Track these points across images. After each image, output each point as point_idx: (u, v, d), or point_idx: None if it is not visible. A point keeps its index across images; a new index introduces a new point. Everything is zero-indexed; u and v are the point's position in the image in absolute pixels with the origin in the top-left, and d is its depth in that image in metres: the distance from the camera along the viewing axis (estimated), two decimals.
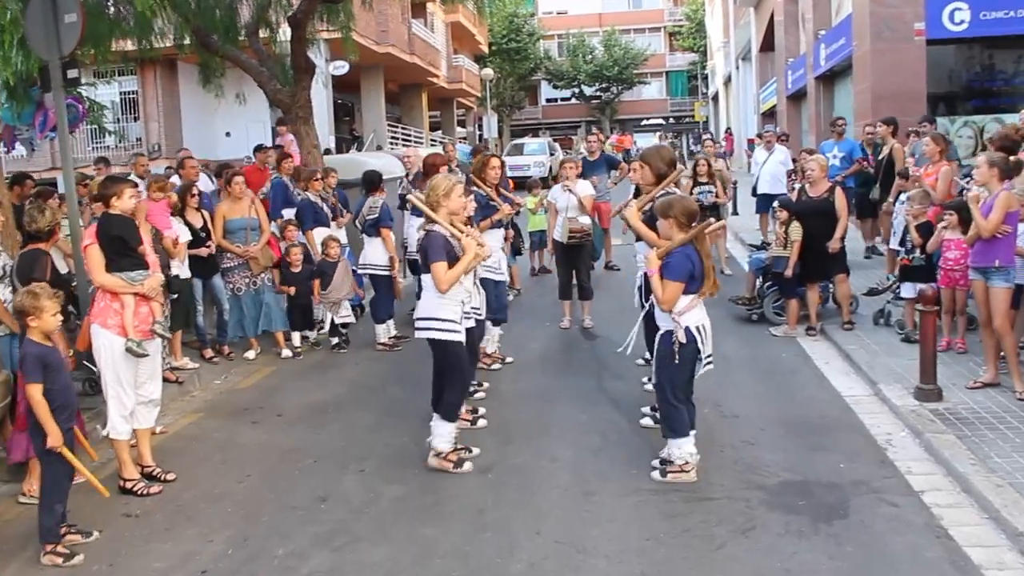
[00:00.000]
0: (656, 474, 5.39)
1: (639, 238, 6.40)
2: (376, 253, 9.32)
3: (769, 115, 28.60)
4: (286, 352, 9.06)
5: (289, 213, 10.41)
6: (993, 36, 15.21)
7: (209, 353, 8.96)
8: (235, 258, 8.96)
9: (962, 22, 15.01)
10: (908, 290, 8.15)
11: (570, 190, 9.30)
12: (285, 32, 13.63)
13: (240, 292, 8.96)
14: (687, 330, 5.21)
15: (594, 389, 7.31)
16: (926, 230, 7.96)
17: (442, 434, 5.66)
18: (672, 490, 5.21)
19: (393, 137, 28.62)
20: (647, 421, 6.37)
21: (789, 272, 8.79)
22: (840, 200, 8.86)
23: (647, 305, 6.14)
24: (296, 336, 9.25)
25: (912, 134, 11.71)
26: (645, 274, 6.02)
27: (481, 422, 6.53)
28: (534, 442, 6.13)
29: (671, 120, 63.80)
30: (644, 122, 63.69)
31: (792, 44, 23.64)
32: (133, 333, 5.57)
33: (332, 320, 9.29)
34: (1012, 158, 6.95)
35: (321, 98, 22.53)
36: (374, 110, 27.96)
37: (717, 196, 11.16)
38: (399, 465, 5.80)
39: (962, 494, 5.00)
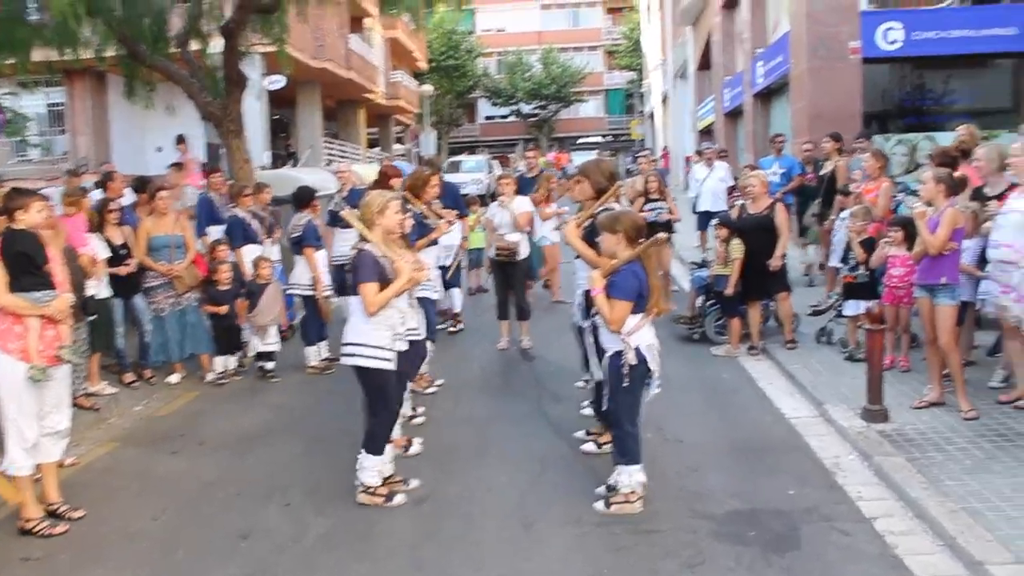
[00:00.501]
0: (600, 505, 5.13)
1: (578, 256, 6.17)
2: (303, 272, 8.97)
3: (706, 133, 28.77)
4: (211, 376, 8.58)
5: (216, 231, 10.00)
6: (925, 56, 15.41)
7: (129, 377, 8.48)
8: (159, 277, 8.52)
9: (895, 41, 15.19)
10: (851, 308, 8.06)
11: (506, 207, 9.06)
12: (218, 43, 13.22)
13: (163, 313, 8.51)
14: (637, 351, 4.97)
15: (533, 413, 7.04)
16: (869, 246, 7.88)
17: (368, 468, 5.31)
18: (616, 521, 4.95)
19: (330, 153, 28.12)
20: (589, 447, 6.12)
21: (730, 290, 8.66)
22: (781, 216, 8.76)
23: (586, 324, 5.89)
24: (219, 361, 8.68)
25: (850, 151, 11.73)
26: (586, 292, 5.78)
27: (414, 448, 6.20)
28: (471, 470, 5.83)
29: (608, 138, 64.15)
30: (581, 140, 63.88)
31: (729, 62, 23.78)
32: (37, 358, 5.14)
33: (255, 348, 8.78)
34: (956, 175, 6.89)
35: (256, 113, 22.03)
36: (310, 126, 27.45)
37: (671, 213, 11.02)
38: (327, 497, 5.45)
39: (915, 520, 4.83)
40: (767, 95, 20.00)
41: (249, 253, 9.45)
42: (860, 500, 5.13)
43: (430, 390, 7.74)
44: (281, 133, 30.59)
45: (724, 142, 23.09)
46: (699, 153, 16.30)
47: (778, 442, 6.18)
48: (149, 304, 8.52)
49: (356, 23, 31.43)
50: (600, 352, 5.58)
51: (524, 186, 10.77)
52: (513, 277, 9.16)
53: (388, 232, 5.32)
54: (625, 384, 4.98)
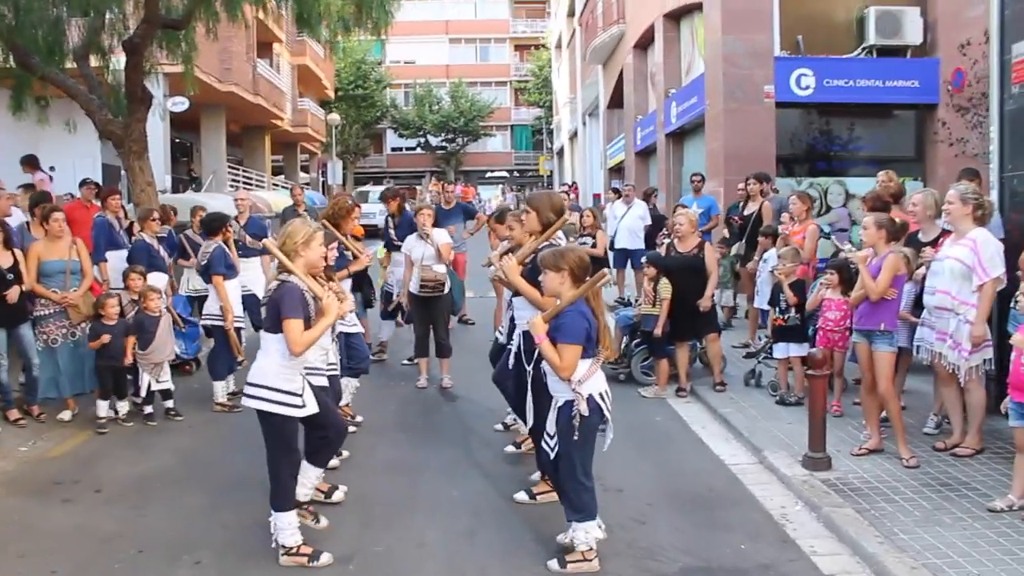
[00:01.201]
0: (554, 564, 4.73)
1: (516, 293, 5.83)
2: (214, 302, 8.41)
3: (616, 170, 29.00)
4: (102, 413, 7.70)
5: (116, 256, 9.32)
6: (834, 103, 15.76)
7: (14, 415, 7.74)
8: (50, 305, 7.83)
9: (808, 87, 15.49)
10: (780, 350, 7.94)
11: (428, 237, 8.67)
12: (120, 61, 12.52)
13: (55, 344, 7.81)
14: (590, 399, 4.63)
15: (461, 459, 6.62)
16: (799, 288, 7.78)
17: (283, 527, 4.78)
18: None
19: (234, 180, 27.24)
20: (521, 496, 5.73)
21: (659, 331, 8.45)
22: (710, 256, 8.63)
23: (529, 370, 5.54)
24: (103, 405, 7.68)
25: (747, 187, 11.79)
26: (525, 333, 5.44)
27: (338, 494, 5.72)
28: (398, 523, 5.36)
29: (515, 173, 64.44)
30: (489, 174, 64.03)
31: (641, 101, 24.01)
32: None
33: (149, 386, 7.95)
34: (898, 220, 6.83)
35: (158, 134, 21.11)
36: (214, 150, 26.55)
37: (594, 248, 10.77)
38: (241, 555, 4.91)
39: None
40: (680, 135, 20.21)
41: (156, 280, 8.86)
42: (815, 555, 4.89)
43: (351, 429, 7.24)
44: (183, 157, 29.57)
45: (636, 180, 23.22)
46: (615, 191, 16.19)
47: (722, 492, 5.92)
48: (40, 334, 7.82)
49: (264, 48, 30.70)
50: (539, 402, 5.26)
51: (441, 218, 10.41)
52: (436, 311, 8.76)
53: (311, 266, 4.84)
54: (576, 437, 4.62)
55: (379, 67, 55.72)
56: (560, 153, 49.49)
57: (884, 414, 6.55)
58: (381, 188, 34.13)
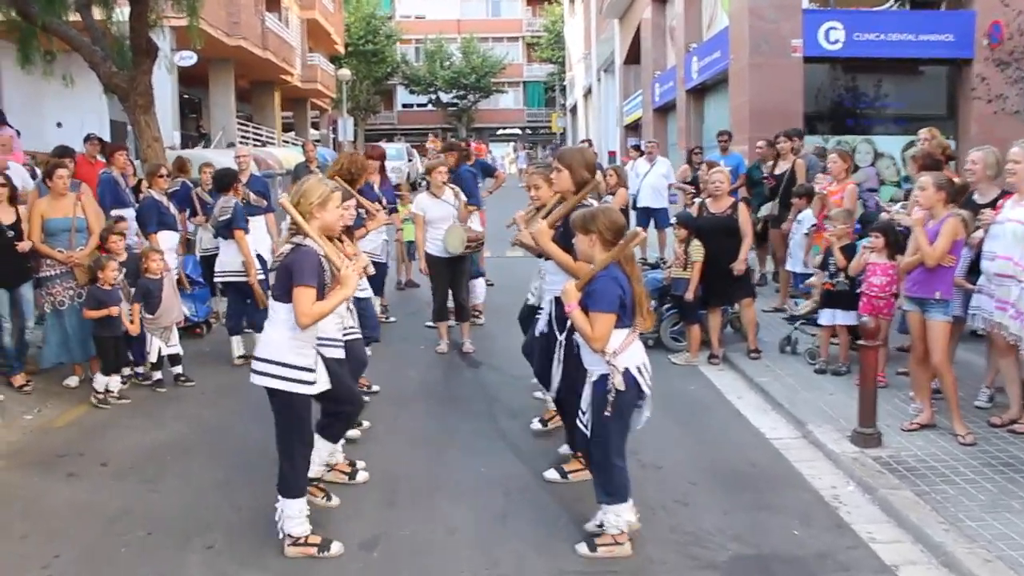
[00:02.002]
0: (583, 548, 4.39)
1: (546, 257, 5.42)
2: (231, 258, 8.13)
3: (632, 128, 28.41)
4: (92, 399, 7.12)
5: (123, 215, 8.94)
6: (864, 57, 15.18)
7: (19, 380, 7.43)
8: (56, 266, 7.47)
9: (837, 41, 14.92)
10: (827, 317, 7.52)
11: (456, 195, 8.29)
12: (124, 12, 12.04)
13: (63, 307, 7.44)
14: (626, 373, 4.25)
15: (489, 431, 6.27)
16: (850, 252, 7.35)
17: (292, 515, 4.39)
18: (605, 570, 4.23)
19: (243, 136, 26.77)
20: (551, 474, 5.37)
21: (690, 295, 8.05)
22: (744, 216, 8.18)
23: (561, 338, 5.16)
24: (100, 380, 7.11)
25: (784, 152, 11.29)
26: (558, 299, 5.04)
27: (361, 475, 5.37)
28: (424, 504, 5.02)
29: (527, 131, 63.67)
30: (500, 131, 63.29)
31: (660, 57, 23.39)
32: None
33: (160, 351, 7.62)
34: (957, 181, 6.38)
35: (166, 90, 20.64)
36: (223, 107, 26.06)
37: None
38: (256, 539, 4.56)
39: (943, 569, 4.24)
40: (701, 91, 19.64)
41: (166, 240, 8.53)
42: (874, 542, 4.52)
43: (366, 398, 6.90)
44: (192, 113, 29.12)
45: (653, 137, 22.67)
46: (636, 149, 15.69)
47: (767, 469, 5.55)
48: (46, 296, 7.46)
49: (273, 2, 30.07)
50: (572, 375, 4.89)
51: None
52: (458, 272, 8.38)
53: (327, 228, 4.40)
54: (610, 414, 4.25)
55: (389, 22, 54.86)
56: (573, 110, 48.75)
57: (935, 386, 6.18)
58: (396, 145, 33.58)
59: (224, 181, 8.40)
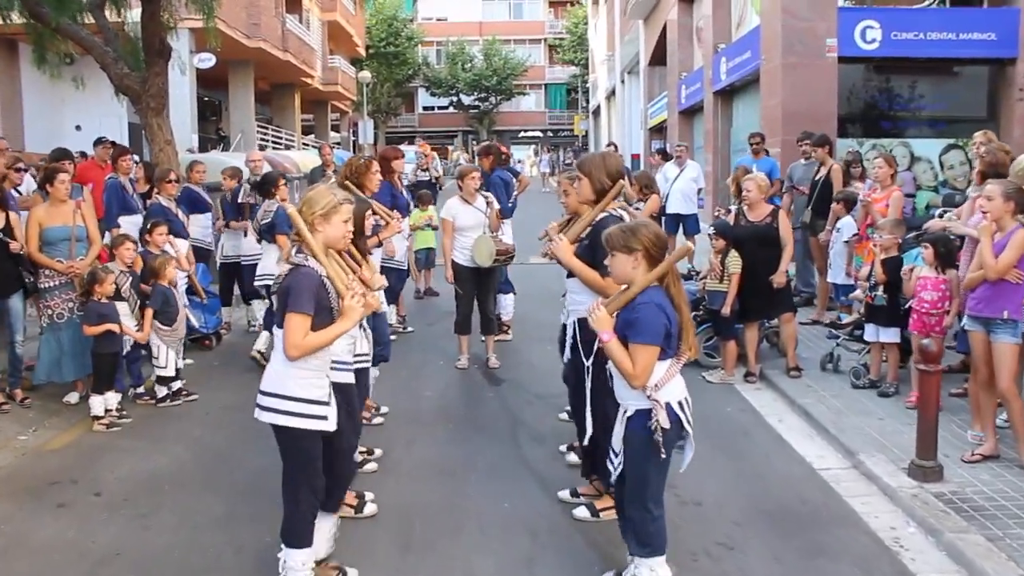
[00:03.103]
0: None
1: (570, 274, 4.94)
2: (271, 261, 7.87)
3: (657, 130, 27.87)
4: (96, 426, 6.63)
5: (129, 222, 8.57)
6: (902, 57, 14.61)
7: (20, 394, 7.07)
8: (55, 276, 7.10)
9: (873, 40, 14.34)
10: (870, 332, 7.03)
11: (489, 203, 7.89)
12: (138, 13, 11.69)
13: (61, 320, 7.07)
14: (668, 409, 3.78)
15: (512, 459, 5.81)
16: (893, 265, 6.85)
17: (295, 567, 3.91)
18: None
19: (263, 139, 26.50)
20: (582, 512, 4.89)
21: (727, 310, 7.57)
22: (784, 225, 7.69)
23: (588, 364, 4.68)
24: (97, 401, 6.66)
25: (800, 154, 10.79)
26: (582, 320, 4.56)
27: (369, 508, 4.92)
28: (442, 546, 4.55)
29: (549, 133, 63.20)
30: (522, 134, 62.83)
31: (686, 58, 22.84)
32: None
33: (176, 364, 7.31)
34: None
35: (184, 91, 20.41)
36: (243, 109, 25.78)
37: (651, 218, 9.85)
38: None
39: None
40: (730, 93, 19.09)
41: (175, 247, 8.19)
42: None
43: (376, 421, 6.47)
44: (212, 115, 28.89)
45: (679, 140, 22.15)
46: (661, 152, 15.18)
47: (818, 506, 5.06)
48: (44, 309, 7.10)
49: (294, 3, 29.85)
50: (601, 407, 4.42)
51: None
52: (486, 284, 7.96)
53: (330, 243, 3.90)
54: (649, 455, 3.77)
55: (410, 24, 54.51)
56: (596, 112, 48.18)
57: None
58: (416, 147, 33.29)
59: (266, 185, 8.33)
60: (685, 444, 3.93)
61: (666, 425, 3.72)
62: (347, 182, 6.19)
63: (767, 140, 14.26)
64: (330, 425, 3.87)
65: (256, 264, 9.09)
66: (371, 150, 38.82)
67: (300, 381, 3.77)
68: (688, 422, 3.85)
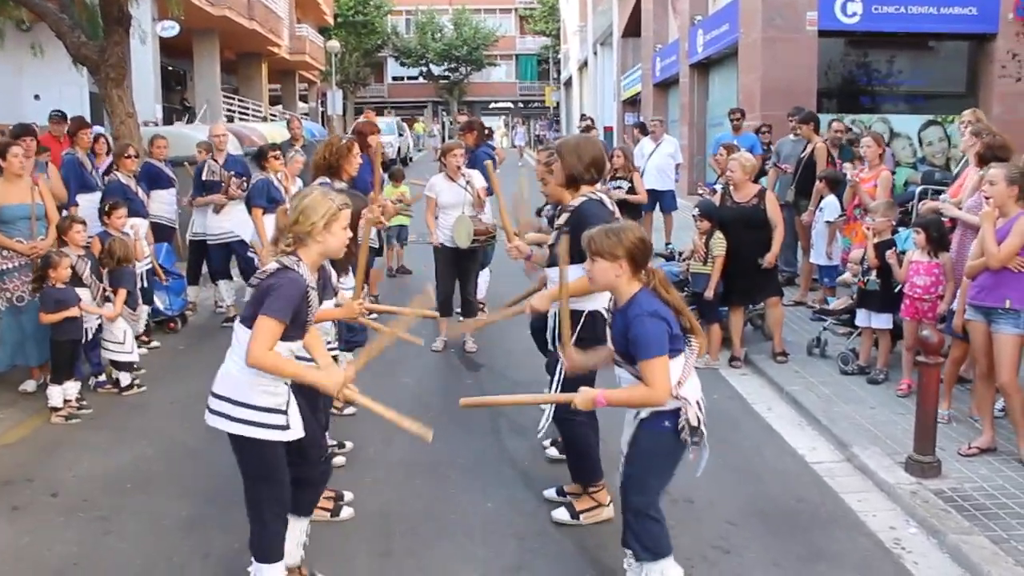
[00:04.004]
0: None
1: (551, 264, 4.67)
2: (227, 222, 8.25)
3: (631, 103, 27.62)
4: (54, 418, 6.26)
5: (87, 200, 8.17)
6: (882, 32, 14.42)
7: None
8: (15, 258, 6.71)
9: (854, 14, 14.17)
10: (862, 318, 6.85)
11: (468, 183, 7.59)
12: None
13: (21, 303, 6.67)
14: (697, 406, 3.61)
15: (494, 454, 5.56)
16: (886, 249, 6.65)
17: None
18: None
19: (229, 110, 25.89)
20: (561, 514, 4.63)
21: (710, 293, 7.35)
22: (772, 206, 7.47)
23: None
24: (56, 392, 6.29)
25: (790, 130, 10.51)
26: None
27: (346, 511, 4.66)
28: (425, 554, 4.28)
29: (520, 104, 62.66)
30: (492, 105, 62.24)
31: (661, 29, 22.57)
32: None
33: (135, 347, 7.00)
34: None
35: (146, 61, 19.81)
36: (208, 79, 25.15)
37: (636, 194, 9.63)
38: None
39: None
40: (706, 66, 18.88)
41: (135, 226, 7.82)
42: None
43: (348, 410, 6.16)
44: (177, 85, 28.19)
45: (653, 113, 21.88)
46: (639, 127, 14.87)
47: (814, 504, 4.85)
48: (2, 292, 6.72)
49: None
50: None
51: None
52: (468, 265, 7.69)
53: (328, 254, 3.57)
54: (663, 458, 3.60)
55: None
56: (568, 84, 47.78)
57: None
58: (387, 119, 32.66)
59: (259, 156, 8.49)
60: (700, 445, 3.71)
61: (696, 422, 3.55)
62: (324, 162, 5.76)
63: (746, 116, 14.06)
64: (294, 433, 3.55)
65: (223, 243, 8.79)
66: (339, 121, 38.24)
67: (257, 388, 3.45)
68: (703, 424, 3.64)
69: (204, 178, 8.88)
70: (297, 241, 3.46)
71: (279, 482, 3.60)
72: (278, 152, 8.25)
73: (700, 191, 10.08)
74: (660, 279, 3.62)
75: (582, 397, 3.59)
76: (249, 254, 8.40)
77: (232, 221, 8.83)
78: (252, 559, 3.66)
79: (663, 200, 12.67)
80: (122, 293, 6.84)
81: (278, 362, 3.34)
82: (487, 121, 46.24)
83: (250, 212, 7.64)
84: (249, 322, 3.38)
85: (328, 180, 5.52)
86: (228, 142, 9.25)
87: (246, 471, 3.58)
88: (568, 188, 4.59)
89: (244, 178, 8.84)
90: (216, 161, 8.93)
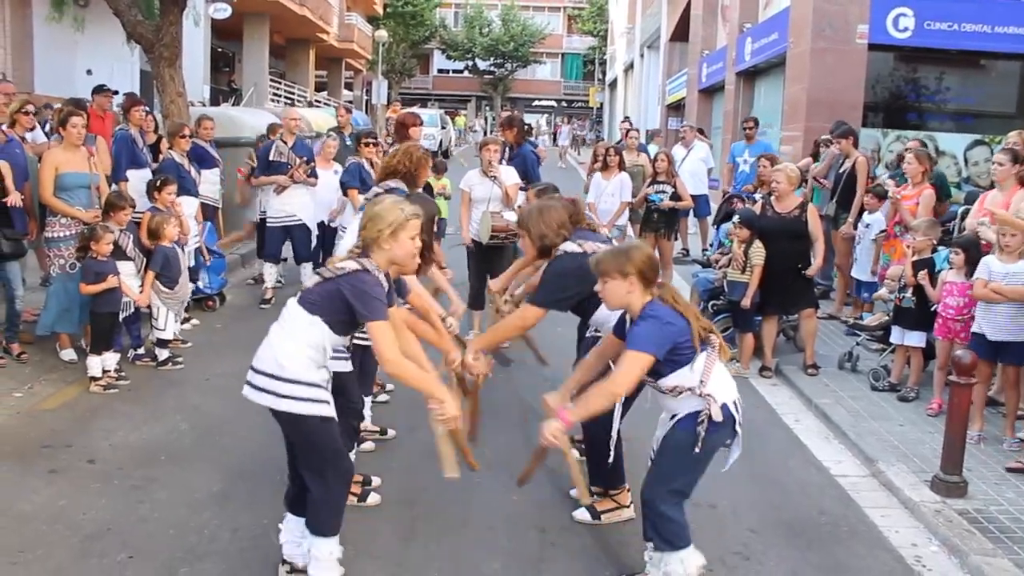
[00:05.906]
0: None
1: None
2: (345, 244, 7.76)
3: (675, 108, 27.49)
4: (93, 387, 6.41)
5: (137, 176, 8.33)
6: (933, 48, 14.26)
7: (17, 348, 6.89)
8: (71, 226, 6.86)
9: (906, 29, 13.98)
10: (896, 335, 6.82)
11: (495, 177, 7.62)
12: None
13: (73, 270, 6.76)
14: (724, 408, 3.66)
15: (521, 448, 5.58)
16: (923, 267, 6.62)
17: (322, 557, 3.68)
18: None
19: (275, 93, 26.19)
20: (582, 514, 4.67)
21: (747, 302, 7.35)
22: (814, 218, 7.47)
23: None
24: (95, 362, 6.42)
25: (823, 144, 10.45)
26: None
27: (373, 497, 4.74)
28: (448, 541, 4.36)
29: (563, 103, 62.64)
30: (536, 103, 62.27)
31: (709, 36, 22.45)
32: None
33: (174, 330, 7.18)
34: None
35: (197, 42, 20.07)
36: (256, 62, 25.48)
37: (680, 199, 9.70)
38: (253, 572, 3.97)
39: None
40: (753, 74, 18.74)
41: (185, 207, 7.96)
42: None
43: (381, 397, 6.26)
44: (225, 67, 28.53)
45: (697, 120, 21.80)
46: (699, 131, 14.76)
47: (836, 518, 4.86)
48: (55, 258, 6.87)
49: None
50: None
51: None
52: (498, 260, 7.74)
53: (396, 263, 3.66)
54: (694, 456, 3.67)
55: None
56: (612, 85, 47.65)
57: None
58: (430, 111, 32.78)
59: (356, 141, 8.64)
60: (733, 444, 3.83)
61: (718, 418, 3.62)
62: (404, 169, 5.56)
63: (790, 126, 14.01)
64: (332, 409, 3.69)
65: (283, 226, 8.96)
66: (384, 110, 38.46)
67: (313, 363, 3.59)
68: (739, 423, 3.75)
69: (272, 159, 9.00)
70: (366, 246, 3.58)
71: (342, 453, 3.74)
72: (370, 139, 8.32)
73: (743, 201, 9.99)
74: (671, 293, 3.71)
75: (548, 430, 3.63)
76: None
77: (294, 204, 8.99)
78: (307, 531, 3.74)
79: (697, 205, 12.67)
80: (149, 275, 6.94)
81: (409, 369, 3.58)
82: (530, 118, 46.43)
83: (345, 194, 7.69)
84: (319, 311, 3.51)
85: (393, 185, 5.40)
86: (302, 127, 9.44)
87: (305, 449, 3.66)
88: (544, 257, 4.62)
89: (311, 163, 9.04)
90: (285, 143, 9.07)
